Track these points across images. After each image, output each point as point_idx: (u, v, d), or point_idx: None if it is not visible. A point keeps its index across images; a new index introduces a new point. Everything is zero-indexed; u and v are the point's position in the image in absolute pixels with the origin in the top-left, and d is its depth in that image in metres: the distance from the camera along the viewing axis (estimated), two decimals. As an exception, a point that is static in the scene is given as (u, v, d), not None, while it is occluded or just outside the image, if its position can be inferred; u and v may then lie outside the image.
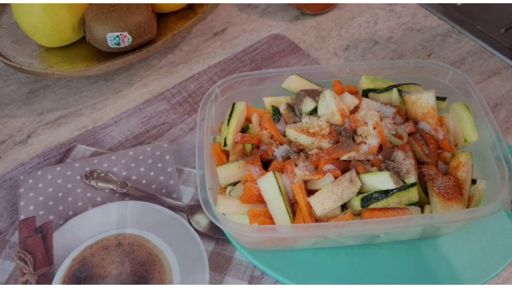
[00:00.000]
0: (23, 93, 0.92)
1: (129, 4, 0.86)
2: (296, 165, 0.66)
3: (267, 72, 0.78)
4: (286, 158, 0.68)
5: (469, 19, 1.00)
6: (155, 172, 0.77)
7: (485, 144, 0.68)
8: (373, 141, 0.67)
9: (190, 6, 0.98)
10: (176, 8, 0.96)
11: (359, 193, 0.63)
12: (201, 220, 0.71)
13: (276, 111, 0.73)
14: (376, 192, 0.62)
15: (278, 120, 0.73)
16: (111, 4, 0.85)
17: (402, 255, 0.67)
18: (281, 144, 0.70)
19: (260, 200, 0.64)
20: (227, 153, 0.72)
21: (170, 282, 0.63)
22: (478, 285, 0.64)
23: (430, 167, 0.67)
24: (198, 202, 0.71)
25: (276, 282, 0.67)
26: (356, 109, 0.72)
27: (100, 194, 0.75)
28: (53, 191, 0.75)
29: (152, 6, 0.91)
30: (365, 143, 0.67)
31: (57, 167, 0.78)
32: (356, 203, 0.63)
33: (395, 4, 1.05)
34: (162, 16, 0.95)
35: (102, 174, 0.76)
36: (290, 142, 0.70)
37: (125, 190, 0.74)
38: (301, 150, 0.69)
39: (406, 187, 0.62)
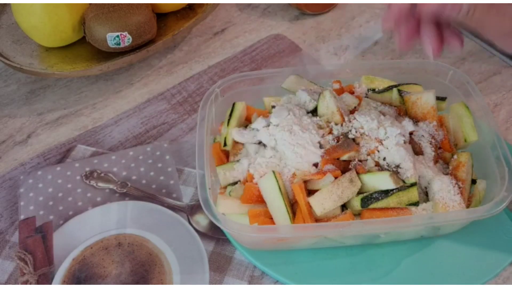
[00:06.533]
0: (23, 93, 0.92)
1: (129, 4, 0.86)
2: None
3: (267, 72, 0.78)
4: (286, 158, 0.68)
5: (469, 19, 1.00)
6: (155, 172, 0.77)
7: (485, 144, 0.68)
8: (373, 141, 0.67)
9: (190, 6, 0.98)
10: (176, 8, 0.96)
11: (359, 193, 0.63)
12: (201, 220, 0.71)
13: (276, 111, 0.73)
14: (376, 192, 0.62)
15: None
16: (111, 4, 0.85)
17: (402, 255, 0.67)
18: (281, 144, 0.70)
19: (260, 200, 0.64)
20: (227, 153, 0.72)
21: (170, 282, 0.63)
22: (478, 285, 0.64)
23: (430, 167, 0.67)
24: (198, 202, 0.71)
25: (276, 282, 0.67)
26: (356, 109, 0.72)
27: (100, 194, 0.75)
28: (53, 191, 0.75)
29: (152, 6, 0.91)
30: (365, 143, 0.67)
31: (57, 167, 0.78)
32: (356, 203, 0.63)
33: (395, 4, 1.05)
34: (162, 16, 0.95)
35: (102, 174, 0.76)
36: (290, 142, 0.70)
37: (125, 190, 0.74)
38: (301, 150, 0.69)
39: (406, 187, 0.62)
